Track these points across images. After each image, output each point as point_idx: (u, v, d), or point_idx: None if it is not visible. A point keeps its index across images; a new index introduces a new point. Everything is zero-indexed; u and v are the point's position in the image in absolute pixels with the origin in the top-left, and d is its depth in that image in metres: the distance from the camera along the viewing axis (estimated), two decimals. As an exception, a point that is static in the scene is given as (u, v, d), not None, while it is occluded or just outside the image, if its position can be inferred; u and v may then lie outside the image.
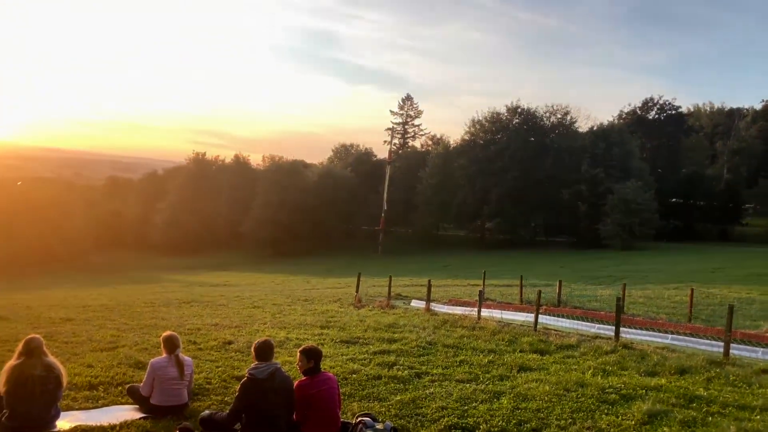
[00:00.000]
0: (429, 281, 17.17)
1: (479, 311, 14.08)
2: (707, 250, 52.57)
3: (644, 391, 7.83)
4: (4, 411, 5.94)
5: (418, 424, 6.66)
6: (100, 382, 7.74)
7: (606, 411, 7.09)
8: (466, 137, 74.92)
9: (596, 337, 11.87)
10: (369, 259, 58.94)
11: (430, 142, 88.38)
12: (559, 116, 71.66)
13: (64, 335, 11.07)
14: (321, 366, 6.40)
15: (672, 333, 13.18)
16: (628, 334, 12.29)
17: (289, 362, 8.61)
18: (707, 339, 12.36)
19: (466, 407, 7.11)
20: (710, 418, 6.90)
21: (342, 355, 9.73)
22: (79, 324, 12.89)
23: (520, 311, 16.20)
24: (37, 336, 6.28)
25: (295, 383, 6.23)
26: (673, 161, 77.00)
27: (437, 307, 16.54)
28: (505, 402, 7.30)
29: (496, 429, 6.50)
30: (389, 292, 18.66)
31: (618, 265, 40.73)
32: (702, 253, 48.84)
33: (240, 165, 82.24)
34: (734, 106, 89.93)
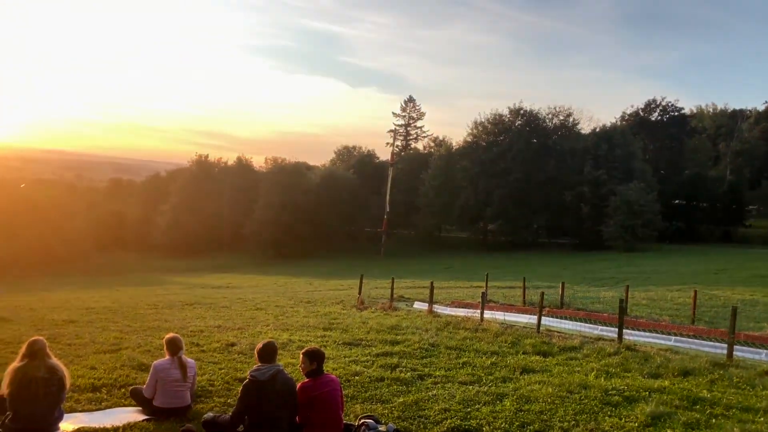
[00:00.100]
0: (431, 283, 17.14)
1: (482, 313, 14.07)
2: (710, 252, 52.47)
3: (647, 393, 7.82)
4: (8, 413, 5.94)
5: (421, 426, 6.65)
6: (103, 384, 7.75)
7: (609, 413, 7.08)
8: (469, 139, 74.97)
9: (599, 338, 11.85)
10: (371, 260, 58.89)
11: (432, 144, 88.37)
12: (561, 118, 71.69)
13: (68, 337, 11.08)
14: (324, 368, 6.40)
15: (675, 335, 13.17)
16: (631, 335, 12.27)
17: (291, 364, 8.61)
18: (710, 341, 12.35)
19: (468, 409, 7.10)
20: (714, 420, 6.88)
21: (345, 357, 9.72)
22: (82, 326, 12.90)
23: (522, 313, 16.19)
24: (41, 338, 6.28)
25: (298, 385, 6.23)
26: (675, 163, 76.86)
27: (440, 309, 16.52)
28: (508, 404, 7.29)
29: (499, 431, 6.50)
30: (392, 294, 18.64)
31: (621, 266, 40.67)
32: (705, 255, 48.75)
33: (242, 167, 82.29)
34: (737, 108, 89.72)
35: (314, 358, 6.26)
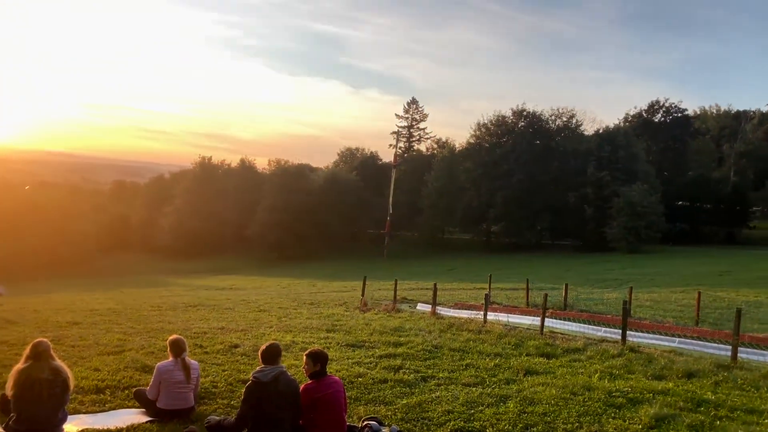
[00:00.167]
0: (435, 285, 17.13)
1: (485, 315, 14.05)
2: (714, 254, 52.34)
3: (651, 394, 7.80)
4: (12, 414, 5.96)
5: (424, 428, 6.65)
6: (106, 386, 7.76)
7: (613, 415, 7.07)
8: (472, 140, 74.99)
9: (603, 340, 11.82)
10: (374, 262, 58.88)
11: (435, 146, 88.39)
12: (564, 119, 71.65)
13: (71, 339, 11.10)
14: (327, 369, 6.40)
15: (679, 336, 13.13)
16: (634, 337, 12.24)
17: (295, 366, 8.60)
18: (715, 342, 12.31)
19: (472, 411, 7.10)
20: (718, 423, 6.86)
21: (348, 358, 9.72)
22: (86, 328, 12.92)
23: (526, 315, 16.17)
24: (45, 340, 6.29)
25: (301, 386, 6.23)
26: (679, 164, 76.69)
27: (443, 311, 16.50)
28: (512, 406, 7.28)
29: (502, 433, 6.49)
30: (395, 296, 18.63)
31: (624, 268, 40.60)
32: (709, 257, 48.63)
33: (246, 169, 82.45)
34: (741, 109, 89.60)
35: (318, 359, 6.26)
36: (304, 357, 6.36)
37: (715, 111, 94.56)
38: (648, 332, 13.75)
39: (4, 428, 5.98)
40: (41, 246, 61.45)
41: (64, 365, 6.25)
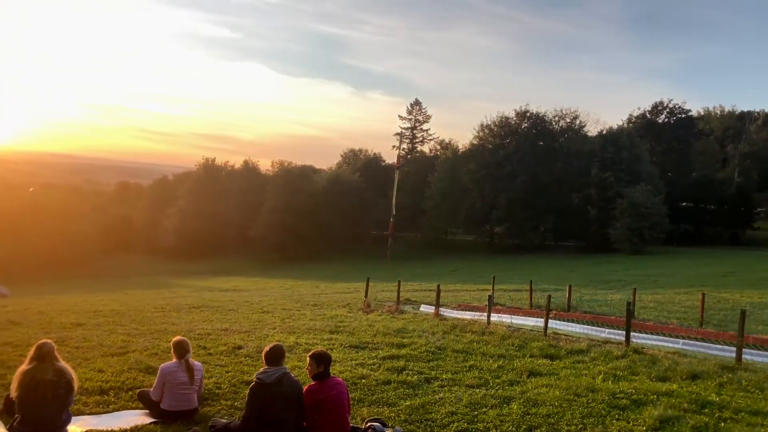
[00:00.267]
0: (438, 286, 17.14)
1: (489, 316, 14.04)
2: (718, 255, 52.22)
3: (655, 396, 7.79)
4: (16, 416, 5.98)
5: (428, 430, 6.65)
6: (110, 387, 7.77)
7: (617, 416, 7.05)
8: (475, 142, 74.93)
9: (606, 342, 11.80)
10: (378, 263, 58.90)
11: (438, 147, 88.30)
12: (568, 120, 71.58)
13: (75, 340, 11.12)
14: (330, 371, 6.40)
15: (683, 338, 13.11)
16: (638, 338, 12.22)
17: (298, 367, 8.61)
18: (719, 344, 12.27)
19: (475, 412, 7.09)
20: (723, 424, 6.85)
21: (351, 360, 9.72)
22: (90, 329, 12.94)
23: (529, 316, 16.15)
24: (49, 341, 6.31)
25: (305, 388, 6.24)
26: (683, 165, 76.52)
27: (446, 312, 16.49)
28: (515, 407, 7.27)
29: (506, 434, 6.48)
30: (398, 297, 18.63)
31: (628, 269, 40.53)
32: (713, 258, 48.51)
33: (249, 170, 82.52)
34: (745, 109, 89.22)
35: (321, 360, 6.26)
36: (308, 358, 6.37)
37: (719, 112, 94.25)
38: (652, 333, 13.72)
39: (9, 429, 6.00)
40: (44, 247, 61.59)
41: (68, 366, 6.27)
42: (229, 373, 8.66)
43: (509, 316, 15.35)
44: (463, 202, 69.76)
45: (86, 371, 8.42)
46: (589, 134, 72.06)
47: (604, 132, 71.63)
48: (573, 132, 71.36)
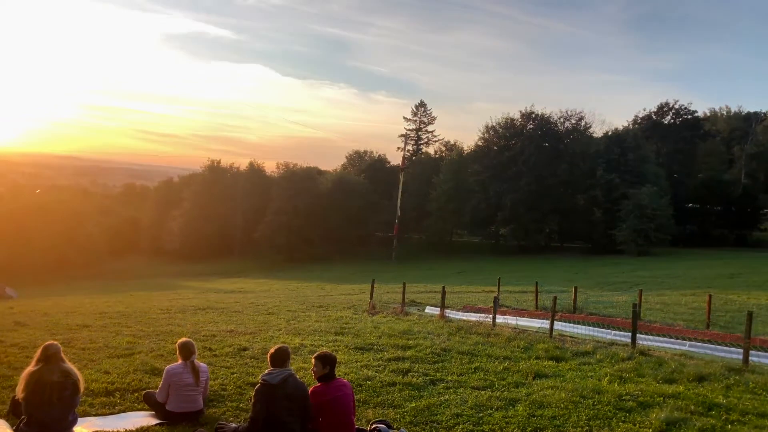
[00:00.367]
0: (443, 288, 17.10)
1: (494, 318, 14.02)
2: (724, 256, 51.98)
3: (662, 398, 7.76)
4: (22, 417, 6.00)
5: (433, 431, 6.63)
6: (116, 389, 7.79)
7: (623, 418, 7.03)
8: (480, 143, 74.89)
9: (612, 343, 11.77)
10: (383, 265, 58.88)
11: (443, 149, 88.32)
12: (573, 121, 71.39)
13: (81, 342, 11.16)
14: (336, 372, 6.40)
15: (690, 340, 13.04)
16: (644, 340, 12.18)
17: (303, 369, 8.62)
18: (726, 346, 12.22)
19: (481, 414, 7.08)
20: (729, 427, 6.81)
21: (356, 361, 9.72)
22: (96, 330, 12.98)
23: (535, 318, 16.11)
24: (55, 342, 6.33)
25: (310, 389, 6.24)
26: (689, 166, 76.26)
27: (452, 314, 16.47)
28: (521, 409, 7.25)
29: (511, 436, 6.46)
30: (403, 299, 18.61)
31: (634, 271, 40.39)
32: (719, 259, 48.30)
33: (254, 172, 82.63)
34: (751, 110, 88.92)
35: (327, 362, 6.26)
36: (313, 360, 6.37)
37: (725, 113, 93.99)
38: (658, 335, 13.68)
39: (15, 431, 6.02)
40: (50, 249, 61.84)
41: (75, 368, 6.29)
42: (235, 375, 8.67)
43: (515, 317, 15.32)
44: (468, 204, 69.70)
45: (92, 372, 8.44)
46: (595, 135, 71.90)
47: (610, 133, 71.46)
48: (578, 133, 71.20)
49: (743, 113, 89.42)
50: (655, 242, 57.36)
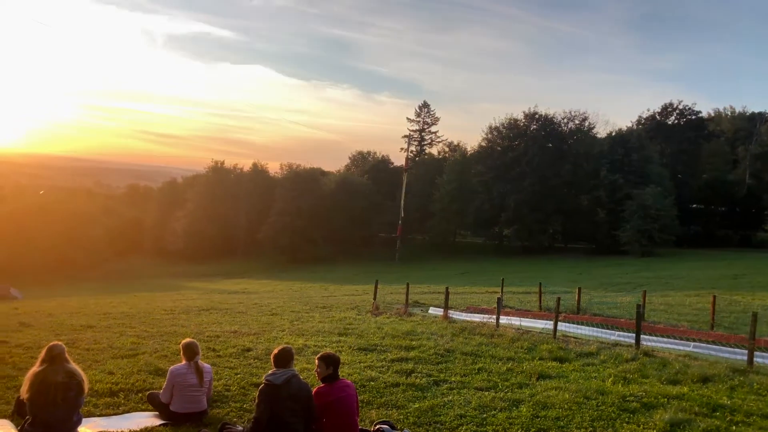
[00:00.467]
0: (447, 288, 17.11)
1: (498, 319, 14.01)
2: (729, 257, 51.82)
3: (666, 399, 7.74)
4: (27, 417, 6.01)
5: (437, 432, 6.63)
6: (120, 389, 7.81)
7: (627, 419, 7.02)
8: (483, 144, 74.83)
9: (616, 344, 11.75)
10: (386, 266, 58.87)
11: (447, 149, 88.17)
12: (577, 122, 71.28)
13: (86, 342, 11.19)
14: (339, 373, 6.40)
15: (694, 340, 13.01)
16: (648, 341, 12.16)
17: (307, 369, 8.62)
18: (730, 347, 12.18)
19: (484, 415, 7.07)
20: (734, 428, 6.80)
21: (360, 362, 9.72)
22: (100, 331, 13.02)
23: (539, 318, 16.09)
24: (59, 343, 6.35)
25: (314, 390, 6.24)
26: (693, 167, 76.07)
27: (455, 315, 16.47)
28: (525, 410, 7.25)
29: (515, 437, 6.46)
30: (407, 300, 18.62)
31: (638, 271, 40.31)
32: (723, 260, 48.16)
33: (258, 173, 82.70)
34: (756, 111, 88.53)
35: (330, 362, 6.26)
36: (317, 360, 6.37)
37: (729, 113, 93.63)
38: (662, 336, 13.63)
39: (20, 431, 6.04)
40: (54, 250, 61.97)
41: (79, 368, 6.31)
42: (239, 375, 8.68)
43: (518, 318, 15.31)
44: (472, 205, 69.65)
45: (96, 373, 8.46)
46: (599, 136, 71.77)
47: (614, 134, 71.34)
48: (582, 134, 71.08)
49: (748, 113, 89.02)
50: (659, 243, 57.20)
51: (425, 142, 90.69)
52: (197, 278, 53.59)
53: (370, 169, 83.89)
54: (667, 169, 67.92)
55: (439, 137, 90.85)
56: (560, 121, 71.04)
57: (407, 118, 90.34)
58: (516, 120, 71.59)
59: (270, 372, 6.18)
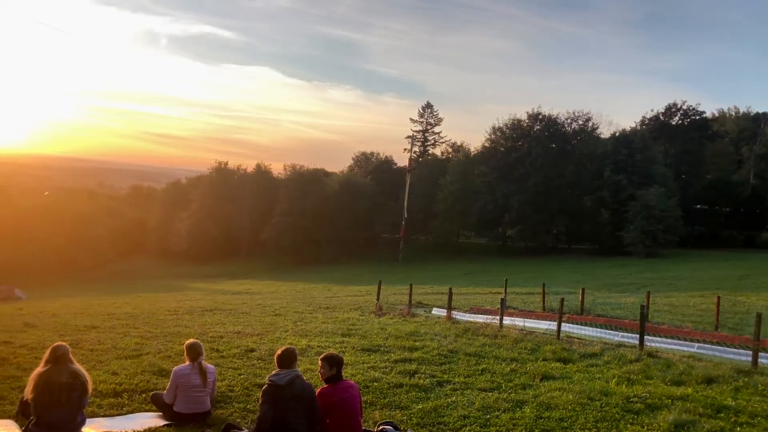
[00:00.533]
0: (450, 289, 17.09)
1: (501, 319, 13.99)
2: (733, 257, 51.70)
3: (670, 400, 7.72)
4: (31, 418, 6.02)
5: (440, 433, 6.63)
6: (124, 390, 7.82)
7: (631, 421, 7.00)
8: (487, 144, 74.82)
9: (620, 345, 11.73)
10: (389, 266, 58.89)
11: (450, 150, 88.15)
12: (580, 122, 71.22)
13: (90, 343, 11.21)
14: (342, 374, 6.40)
15: (698, 341, 12.97)
16: (652, 342, 12.13)
17: (310, 370, 8.63)
18: (735, 348, 12.15)
19: (488, 416, 7.06)
20: (738, 429, 6.77)
21: (363, 363, 9.72)
22: (104, 332, 13.05)
23: (542, 319, 16.06)
24: (63, 344, 6.36)
25: (317, 391, 6.24)
26: (697, 167, 75.87)
27: (459, 315, 16.45)
28: (528, 411, 7.24)
29: (519, 438, 6.44)
30: (410, 300, 18.61)
31: (641, 272, 40.24)
32: (728, 260, 48.05)
33: (261, 174, 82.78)
34: (760, 111, 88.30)
35: (334, 363, 6.26)
36: (320, 361, 6.37)
37: (733, 113, 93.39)
38: (666, 337, 13.60)
39: (24, 431, 6.05)
40: (57, 250, 62.16)
41: (83, 369, 6.32)
42: (242, 376, 8.69)
43: (522, 319, 15.29)
44: (475, 205, 69.59)
45: (100, 374, 8.48)
46: (602, 136, 71.69)
47: (617, 134, 71.23)
48: (586, 134, 70.99)
49: (752, 114, 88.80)
50: (663, 243, 57.07)
51: (428, 143, 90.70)
52: (201, 279, 53.68)
53: (374, 169, 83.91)
54: (671, 170, 67.76)
55: (442, 138, 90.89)
56: (564, 122, 71.04)
57: (410, 119, 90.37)
58: (519, 120, 71.60)
59: (273, 372, 6.18)
